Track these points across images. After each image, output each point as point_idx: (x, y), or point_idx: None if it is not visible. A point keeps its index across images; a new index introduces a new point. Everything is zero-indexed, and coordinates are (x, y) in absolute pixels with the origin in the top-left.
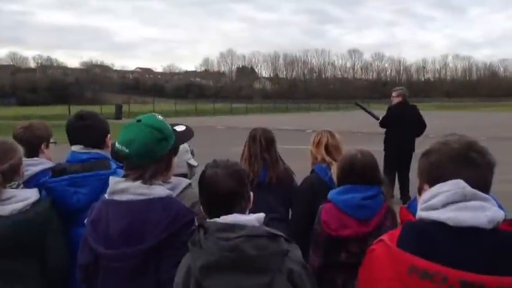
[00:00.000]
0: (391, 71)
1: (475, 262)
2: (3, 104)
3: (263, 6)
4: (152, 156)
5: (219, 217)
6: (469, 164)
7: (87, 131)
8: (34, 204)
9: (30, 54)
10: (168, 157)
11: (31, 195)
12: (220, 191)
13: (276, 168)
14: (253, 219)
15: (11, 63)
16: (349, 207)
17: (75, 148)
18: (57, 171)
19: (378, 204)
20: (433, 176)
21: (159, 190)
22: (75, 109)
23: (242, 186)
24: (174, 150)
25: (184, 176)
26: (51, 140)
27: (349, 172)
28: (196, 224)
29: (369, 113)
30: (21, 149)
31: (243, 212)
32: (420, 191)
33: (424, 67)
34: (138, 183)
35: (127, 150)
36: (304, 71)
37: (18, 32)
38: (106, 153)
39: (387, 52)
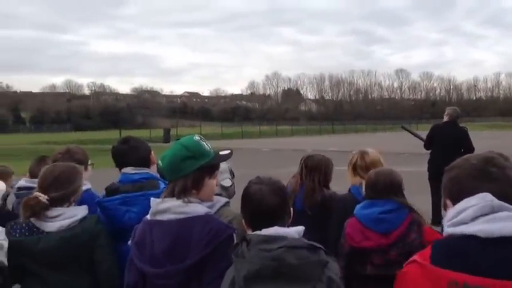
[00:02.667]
0: (440, 90)
1: (510, 270)
2: (59, 129)
3: (308, 29)
4: (177, 172)
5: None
6: (488, 178)
7: (133, 153)
8: (81, 220)
9: (85, 81)
10: (197, 175)
11: (78, 212)
12: (265, 206)
13: (311, 196)
14: (293, 231)
15: (67, 90)
16: (369, 220)
17: (126, 170)
18: (110, 190)
19: (399, 218)
20: (453, 192)
21: (198, 208)
22: (125, 133)
23: (284, 202)
24: (208, 171)
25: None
26: (89, 163)
27: (367, 190)
28: (235, 239)
29: (416, 135)
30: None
31: (283, 226)
32: (445, 207)
33: (475, 86)
34: (178, 202)
35: (161, 164)
36: (350, 92)
37: (73, 61)
38: (155, 173)
39: (436, 71)
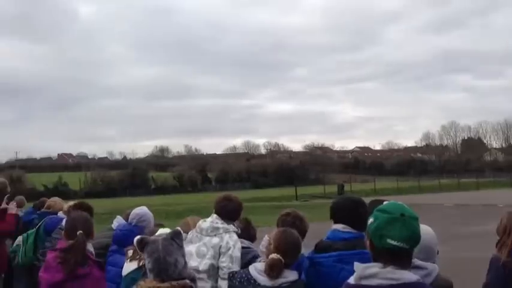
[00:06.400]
0: None
1: None
2: (240, 187)
3: (484, 74)
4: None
5: None
6: None
7: (356, 213)
8: (292, 282)
9: (261, 141)
10: None
11: (293, 275)
12: None
13: None
14: None
15: (246, 151)
16: None
17: (338, 227)
18: (322, 248)
19: None
20: None
21: (408, 275)
22: (300, 190)
23: None
24: None
25: None
26: None
27: None
28: None
29: None
30: None
31: None
32: None
33: None
34: (389, 268)
35: (407, 247)
36: None
37: (251, 123)
38: (361, 233)
39: None
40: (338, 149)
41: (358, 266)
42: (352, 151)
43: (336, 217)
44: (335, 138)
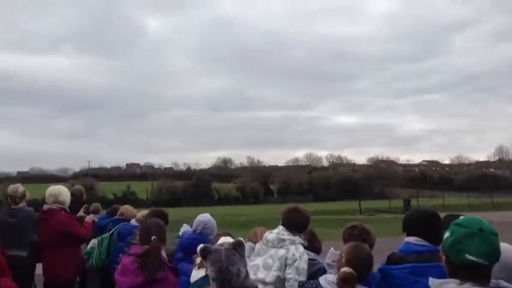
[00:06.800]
0: None
1: None
2: (302, 200)
3: None
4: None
5: None
6: None
7: (430, 226)
8: None
9: (323, 154)
10: None
11: None
12: None
13: None
14: None
15: (308, 163)
16: None
17: (410, 239)
18: (394, 260)
19: None
20: None
21: None
22: (364, 204)
23: None
24: None
25: None
26: None
27: None
28: None
29: None
30: None
31: None
32: None
33: None
34: (466, 285)
35: (486, 263)
36: None
37: (313, 135)
38: (435, 247)
39: None
40: (403, 163)
41: (433, 281)
42: (418, 165)
43: (409, 230)
44: (400, 151)
